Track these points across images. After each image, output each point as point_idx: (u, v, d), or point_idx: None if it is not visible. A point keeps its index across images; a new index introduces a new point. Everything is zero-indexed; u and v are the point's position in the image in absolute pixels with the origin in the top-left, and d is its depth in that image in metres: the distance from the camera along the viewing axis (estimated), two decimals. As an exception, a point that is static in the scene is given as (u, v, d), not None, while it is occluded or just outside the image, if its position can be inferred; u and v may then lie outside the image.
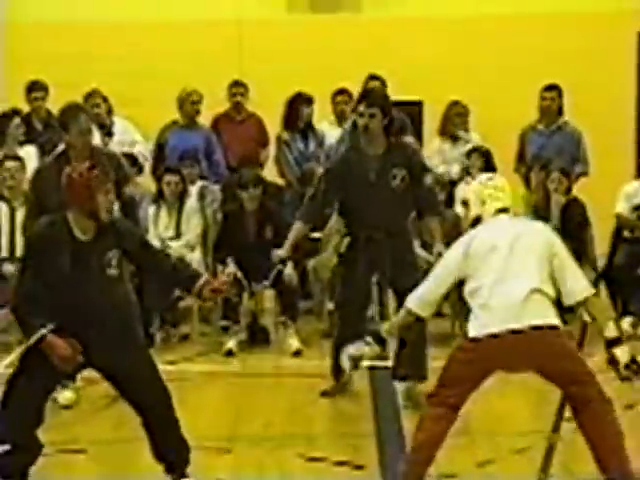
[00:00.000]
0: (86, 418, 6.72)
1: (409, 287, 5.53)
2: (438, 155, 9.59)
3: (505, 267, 5.08)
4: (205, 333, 8.78)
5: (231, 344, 8.23)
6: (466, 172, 9.36)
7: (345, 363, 5.61)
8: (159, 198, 8.92)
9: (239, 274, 8.37)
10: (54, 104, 9.48)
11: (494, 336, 4.97)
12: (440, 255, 5.94)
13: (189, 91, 9.50)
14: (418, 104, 10.91)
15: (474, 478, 5.47)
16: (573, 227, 8.62)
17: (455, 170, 9.50)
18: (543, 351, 5.00)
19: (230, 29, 11.25)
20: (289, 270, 8.22)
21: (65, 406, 6.79)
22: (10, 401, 5.14)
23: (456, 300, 8.54)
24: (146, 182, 9.49)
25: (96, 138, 8.94)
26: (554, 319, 5.05)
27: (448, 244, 5.90)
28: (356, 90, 9.27)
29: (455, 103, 9.62)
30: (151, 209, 8.91)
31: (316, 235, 9.07)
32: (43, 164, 7.37)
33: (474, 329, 5.04)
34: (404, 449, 5.89)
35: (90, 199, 5.14)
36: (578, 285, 5.16)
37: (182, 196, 8.90)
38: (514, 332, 4.96)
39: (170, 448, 5.35)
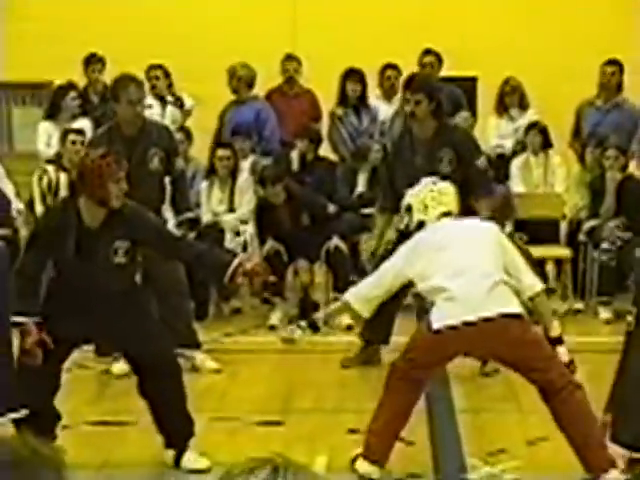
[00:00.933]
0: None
1: None
2: (494, 131, 9.53)
3: (460, 261, 5.07)
4: (256, 307, 8.83)
5: (274, 319, 8.25)
6: (521, 147, 9.30)
7: None
8: (211, 173, 8.94)
9: (281, 249, 8.42)
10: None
11: (454, 327, 4.98)
12: None
13: (233, 66, 9.50)
14: (472, 80, 10.83)
15: (524, 455, 5.45)
16: (629, 204, 8.54)
17: (509, 145, 9.43)
18: (502, 339, 5.00)
19: (284, 3, 11.24)
20: (341, 245, 8.22)
21: (118, 376, 6.87)
22: (25, 368, 5.24)
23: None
24: (199, 157, 9.52)
25: (155, 110, 9.04)
26: (517, 307, 5.03)
27: (492, 219, 5.88)
28: (409, 65, 9.27)
29: (510, 79, 9.54)
30: (204, 184, 8.94)
31: (367, 211, 9.06)
32: (95, 135, 7.44)
33: (436, 321, 5.04)
34: (455, 426, 5.90)
35: (101, 186, 5.14)
36: (531, 280, 5.17)
37: (234, 171, 8.92)
38: (486, 320, 4.95)
39: (176, 423, 5.38)
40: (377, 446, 5.17)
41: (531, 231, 8.94)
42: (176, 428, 5.39)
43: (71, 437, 5.63)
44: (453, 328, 4.98)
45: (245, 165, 9.17)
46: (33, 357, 5.16)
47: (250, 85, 9.54)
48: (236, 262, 5.27)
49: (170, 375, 5.32)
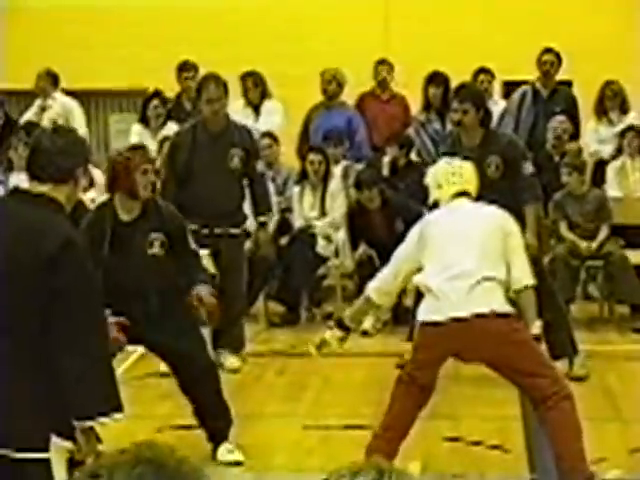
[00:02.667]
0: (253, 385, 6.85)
1: None
2: (593, 134, 9.38)
3: (447, 257, 4.94)
4: (348, 312, 8.77)
5: (367, 325, 8.20)
6: (617, 151, 9.12)
7: None
8: (303, 178, 8.95)
9: (374, 254, 8.38)
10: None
11: (438, 324, 4.86)
12: (527, 246, 5.61)
13: (325, 71, 9.51)
14: (567, 84, 10.67)
15: (625, 464, 5.33)
16: None
17: (608, 150, 9.26)
18: (481, 338, 4.84)
19: (376, 8, 11.21)
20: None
21: (232, 371, 7.01)
22: None
23: (604, 283, 8.36)
24: (290, 162, 9.55)
25: (247, 117, 9.13)
26: (502, 306, 4.86)
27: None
28: (503, 69, 9.18)
29: (610, 83, 9.37)
30: (296, 189, 8.95)
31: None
32: (179, 130, 7.61)
33: (421, 314, 4.96)
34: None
35: (128, 178, 5.34)
36: (520, 274, 5.00)
37: (326, 176, 8.91)
38: (457, 320, 4.81)
39: (214, 417, 5.49)
40: (379, 450, 4.99)
41: (628, 236, 8.77)
42: (213, 423, 5.52)
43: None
44: (437, 324, 4.88)
45: (337, 170, 9.16)
46: (118, 340, 5.19)
47: (337, 91, 9.54)
48: (196, 292, 5.42)
49: (206, 373, 5.43)
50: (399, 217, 8.42)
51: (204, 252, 6.20)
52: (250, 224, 7.54)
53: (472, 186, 5.27)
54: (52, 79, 10.14)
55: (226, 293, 6.70)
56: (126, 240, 5.39)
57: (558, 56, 9.15)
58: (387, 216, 8.45)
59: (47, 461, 3.47)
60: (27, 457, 3.45)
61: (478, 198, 5.32)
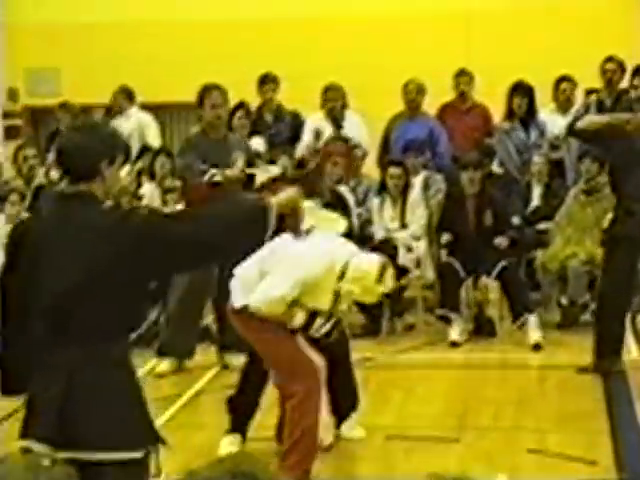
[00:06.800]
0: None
1: None
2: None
3: None
4: (429, 323, 8.75)
5: (455, 336, 8.16)
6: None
7: None
8: (383, 189, 8.93)
9: (456, 265, 8.34)
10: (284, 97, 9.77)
11: None
12: None
13: (409, 82, 9.49)
14: None
15: None
16: None
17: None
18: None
19: (458, 19, 11.18)
20: (513, 264, 8.11)
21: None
22: None
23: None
24: (370, 172, 9.55)
25: (327, 131, 9.15)
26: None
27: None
28: (585, 78, 9.07)
29: None
30: (376, 200, 8.94)
31: (543, 227, 8.89)
32: (185, 140, 7.85)
33: None
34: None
35: None
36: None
37: (405, 187, 8.88)
38: None
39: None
40: None
41: None
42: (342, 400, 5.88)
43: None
44: None
45: (417, 181, 9.13)
46: None
47: (415, 102, 9.51)
48: None
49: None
50: (490, 209, 8.34)
51: None
52: None
53: None
54: (127, 95, 10.28)
55: None
56: None
57: (621, 64, 9.00)
58: (480, 205, 8.38)
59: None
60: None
61: None
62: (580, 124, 6.81)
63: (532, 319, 8.01)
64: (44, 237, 3.56)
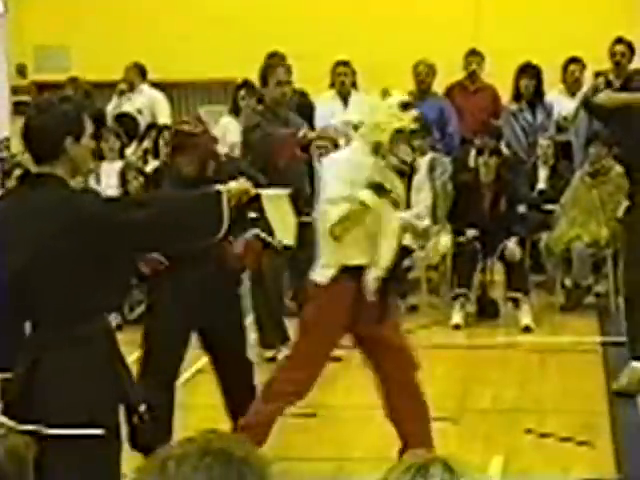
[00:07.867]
0: (319, 384, 6.81)
1: None
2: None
3: None
4: (433, 305, 8.74)
5: (458, 318, 8.14)
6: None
7: None
8: (389, 169, 8.89)
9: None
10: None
11: None
12: None
13: (419, 62, 9.44)
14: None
15: None
16: None
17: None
18: None
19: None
20: (512, 245, 8.07)
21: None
22: None
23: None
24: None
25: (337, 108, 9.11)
26: None
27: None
28: (595, 59, 9.01)
29: None
30: (381, 180, 8.90)
31: (549, 207, 8.86)
32: (251, 120, 7.53)
33: None
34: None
35: None
36: None
37: (411, 168, 8.83)
38: None
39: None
40: None
41: None
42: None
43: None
44: None
45: (423, 162, 9.09)
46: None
47: (423, 82, 9.45)
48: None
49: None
50: (505, 195, 8.29)
51: None
52: None
53: None
54: (139, 71, 10.26)
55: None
56: None
57: (630, 46, 8.93)
58: (495, 192, 8.33)
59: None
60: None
61: None
62: (598, 99, 6.70)
63: (524, 304, 7.98)
64: (4, 218, 3.57)
